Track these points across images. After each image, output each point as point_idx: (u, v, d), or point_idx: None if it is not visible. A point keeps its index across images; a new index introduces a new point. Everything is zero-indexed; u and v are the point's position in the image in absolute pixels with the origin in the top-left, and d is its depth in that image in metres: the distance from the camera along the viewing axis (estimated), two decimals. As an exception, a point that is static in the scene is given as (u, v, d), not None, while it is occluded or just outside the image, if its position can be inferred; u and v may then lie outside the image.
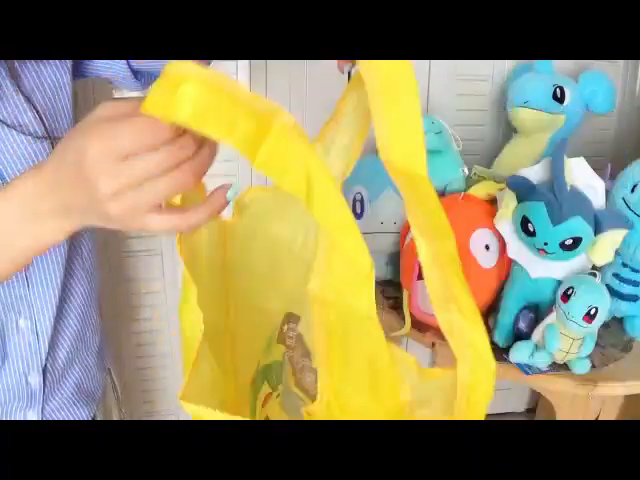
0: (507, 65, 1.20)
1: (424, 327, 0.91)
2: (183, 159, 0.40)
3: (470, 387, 0.43)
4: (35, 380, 0.64)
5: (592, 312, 0.76)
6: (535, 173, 0.84)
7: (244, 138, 0.37)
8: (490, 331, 0.90)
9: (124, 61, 0.69)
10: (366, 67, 0.47)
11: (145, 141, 0.38)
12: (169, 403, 1.36)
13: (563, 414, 0.87)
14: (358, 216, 1.02)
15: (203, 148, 0.41)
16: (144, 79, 0.73)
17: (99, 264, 0.72)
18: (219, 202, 0.43)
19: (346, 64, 0.59)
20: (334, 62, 1.16)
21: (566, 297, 0.78)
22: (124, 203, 0.40)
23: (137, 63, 0.70)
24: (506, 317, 0.87)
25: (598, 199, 0.82)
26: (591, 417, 0.87)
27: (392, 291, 1.04)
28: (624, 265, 0.90)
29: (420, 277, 0.87)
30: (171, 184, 0.40)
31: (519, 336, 0.86)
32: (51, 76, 0.60)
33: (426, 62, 1.18)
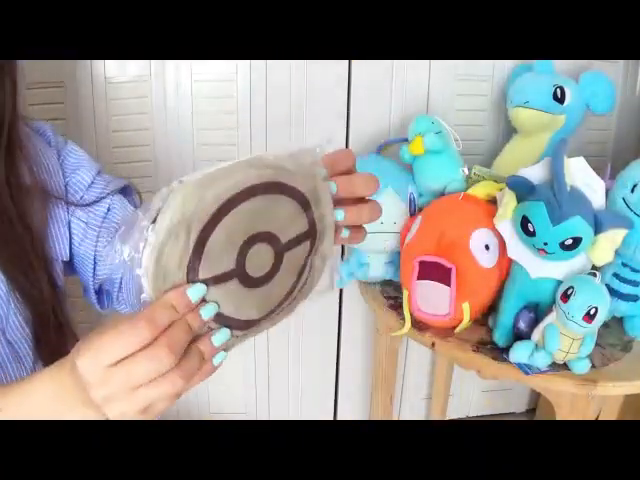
0: (507, 65, 1.19)
1: (424, 327, 0.91)
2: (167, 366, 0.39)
3: None
4: None
5: (592, 312, 0.76)
6: (535, 173, 0.84)
7: None
8: (490, 331, 0.90)
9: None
10: None
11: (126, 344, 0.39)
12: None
13: (563, 414, 0.87)
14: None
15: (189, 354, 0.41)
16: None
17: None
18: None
19: None
20: (334, 62, 1.17)
21: (566, 297, 0.78)
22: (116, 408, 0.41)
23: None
24: (506, 317, 0.87)
25: (598, 199, 0.82)
26: (591, 417, 0.87)
27: (392, 291, 1.04)
28: (624, 265, 0.90)
29: (420, 277, 0.87)
30: (160, 392, 0.40)
31: (519, 336, 0.86)
32: None
33: (426, 62, 1.18)
